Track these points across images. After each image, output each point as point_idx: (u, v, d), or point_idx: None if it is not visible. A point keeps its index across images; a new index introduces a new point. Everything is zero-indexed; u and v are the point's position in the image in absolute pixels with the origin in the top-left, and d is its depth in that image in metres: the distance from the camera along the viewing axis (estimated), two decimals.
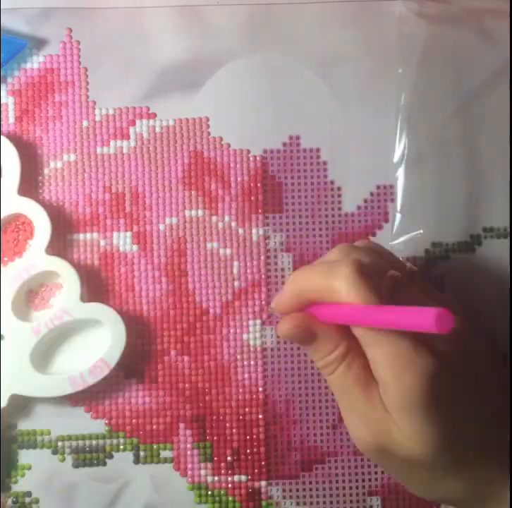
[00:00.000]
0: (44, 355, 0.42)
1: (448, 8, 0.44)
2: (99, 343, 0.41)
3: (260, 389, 0.42)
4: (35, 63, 0.43)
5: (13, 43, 0.42)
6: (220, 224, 0.43)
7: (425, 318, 0.27)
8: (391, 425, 0.32)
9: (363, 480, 0.42)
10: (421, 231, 0.43)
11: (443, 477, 0.33)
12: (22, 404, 0.42)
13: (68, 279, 0.41)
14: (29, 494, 0.42)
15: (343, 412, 0.34)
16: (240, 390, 0.42)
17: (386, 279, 0.33)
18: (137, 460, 0.42)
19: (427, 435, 0.31)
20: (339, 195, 0.43)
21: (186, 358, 0.42)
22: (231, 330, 0.43)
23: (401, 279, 0.33)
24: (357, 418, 0.33)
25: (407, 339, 0.31)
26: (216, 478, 0.42)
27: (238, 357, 0.43)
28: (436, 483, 0.33)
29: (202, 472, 0.42)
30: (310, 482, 0.42)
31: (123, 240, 0.43)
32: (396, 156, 0.43)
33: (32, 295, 0.42)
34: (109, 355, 0.41)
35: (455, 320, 0.30)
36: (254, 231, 0.43)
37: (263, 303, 0.43)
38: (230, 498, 0.42)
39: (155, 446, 0.42)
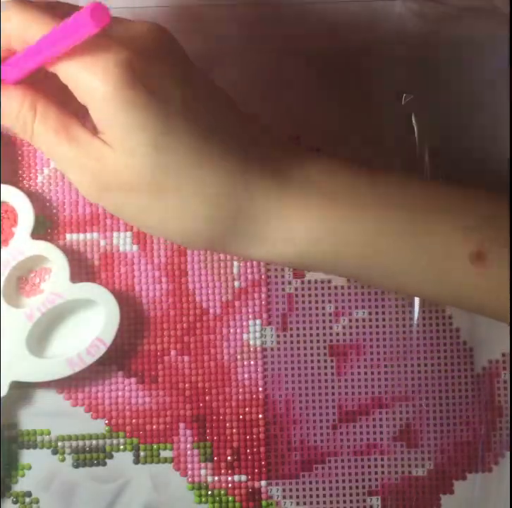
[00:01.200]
0: (40, 339, 0.42)
1: (448, 7, 0.43)
2: (94, 323, 0.41)
3: (260, 389, 0.43)
4: None
5: None
6: None
7: (82, 19, 0.27)
8: (103, 151, 0.31)
9: (363, 480, 0.42)
10: None
11: (162, 196, 0.31)
12: (22, 396, 0.42)
13: (57, 262, 0.41)
14: (29, 494, 0.42)
15: (62, 169, 0.33)
16: (240, 390, 0.42)
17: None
18: (137, 460, 0.42)
19: (136, 141, 0.30)
20: None
21: (186, 358, 0.42)
22: (231, 330, 0.43)
23: None
24: (75, 167, 0.32)
25: (77, 51, 0.29)
26: (216, 478, 0.42)
27: (238, 357, 0.43)
28: (155, 206, 0.32)
29: (202, 472, 0.42)
30: (310, 482, 0.42)
31: (123, 240, 0.43)
32: (398, 157, 0.43)
33: (22, 281, 0.42)
34: (105, 333, 0.40)
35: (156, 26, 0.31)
36: None
37: (263, 303, 0.43)
38: (230, 498, 0.42)
39: (155, 446, 0.42)
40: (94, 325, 0.41)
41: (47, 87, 0.33)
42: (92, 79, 0.30)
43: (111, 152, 0.31)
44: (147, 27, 0.32)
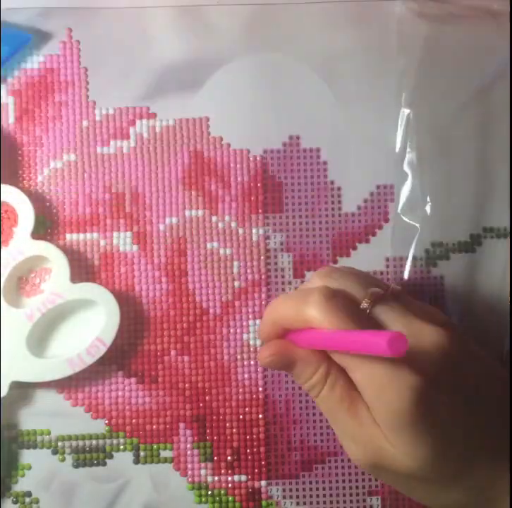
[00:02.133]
0: (40, 340, 0.42)
1: (448, 7, 0.44)
2: (94, 323, 0.41)
3: (260, 389, 0.43)
4: (35, 63, 0.43)
5: (17, 36, 0.42)
6: (220, 224, 0.43)
7: (379, 342, 0.28)
8: (382, 441, 0.32)
9: (363, 480, 0.42)
10: (421, 231, 0.43)
11: (441, 488, 0.33)
12: (22, 396, 0.42)
13: (57, 262, 0.41)
14: (29, 494, 0.42)
15: (336, 432, 0.34)
16: (240, 390, 0.42)
17: (368, 297, 0.33)
18: (137, 460, 0.42)
19: (419, 450, 0.31)
20: (339, 195, 0.43)
21: (186, 358, 0.42)
22: (231, 330, 0.43)
23: (382, 298, 0.33)
24: (349, 437, 0.33)
25: (386, 359, 0.31)
26: (216, 478, 0.42)
27: (238, 357, 0.43)
28: (435, 494, 0.33)
29: (202, 472, 0.42)
30: (310, 482, 0.42)
31: (123, 240, 0.43)
32: (396, 157, 0.43)
33: (22, 281, 0.42)
34: (105, 333, 0.41)
35: (445, 336, 0.31)
36: (254, 230, 0.43)
37: (263, 303, 0.43)
38: (230, 498, 0.42)
39: (155, 446, 0.42)
40: (94, 325, 0.41)
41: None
42: (385, 394, 0.31)
43: (390, 447, 0.32)
44: (438, 339, 0.32)
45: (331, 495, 0.42)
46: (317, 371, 0.34)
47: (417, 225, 0.43)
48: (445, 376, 0.32)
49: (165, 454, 0.42)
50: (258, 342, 0.43)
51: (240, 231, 0.43)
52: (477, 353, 0.35)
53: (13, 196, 0.41)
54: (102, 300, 0.41)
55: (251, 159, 0.43)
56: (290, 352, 0.34)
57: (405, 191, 0.43)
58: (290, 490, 0.42)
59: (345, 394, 0.33)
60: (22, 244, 0.41)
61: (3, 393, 0.40)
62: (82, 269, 0.42)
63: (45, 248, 0.41)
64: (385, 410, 0.31)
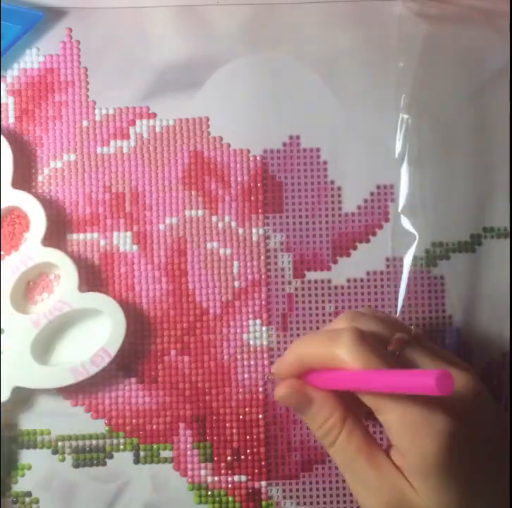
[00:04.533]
0: (44, 346, 0.42)
1: (448, 7, 0.43)
2: (99, 333, 0.41)
3: (260, 389, 0.42)
4: (35, 63, 0.43)
5: (29, 15, 0.42)
6: (220, 224, 0.43)
7: (427, 381, 0.28)
8: (405, 489, 0.31)
9: None
10: (421, 231, 0.43)
11: None
12: (23, 399, 0.42)
13: (66, 270, 0.41)
14: (29, 494, 0.42)
15: (350, 481, 0.33)
16: (240, 390, 0.42)
17: (393, 343, 0.33)
18: (137, 460, 0.42)
19: (445, 496, 0.31)
20: (339, 195, 0.43)
21: (186, 358, 0.42)
22: (231, 330, 0.43)
23: (407, 343, 0.33)
24: (366, 488, 0.33)
25: (419, 401, 0.31)
26: (216, 478, 0.42)
27: (238, 357, 0.43)
28: None
29: (202, 472, 0.42)
30: (310, 482, 0.42)
31: (123, 240, 0.43)
32: (396, 156, 0.43)
33: (30, 287, 0.42)
34: (110, 344, 0.40)
35: (472, 379, 0.31)
36: (254, 230, 0.43)
37: (263, 302, 0.43)
38: (230, 498, 0.42)
39: (155, 446, 0.42)
40: (99, 335, 0.41)
41: (356, 404, 0.33)
42: (418, 437, 0.31)
43: (414, 494, 0.31)
44: (467, 383, 0.32)
45: (331, 495, 0.42)
46: (332, 415, 0.33)
47: (418, 225, 0.43)
48: (472, 421, 0.32)
49: (165, 454, 0.42)
50: (258, 342, 0.43)
51: (240, 230, 0.43)
52: (492, 399, 0.35)
53: (25, 201, 0.41)
54: (109, 311, 0.41)
55: (251, 159, 0.43)
56: (309, 390, 0.34)
57: (405, 191, 0.43)
58: (291, 490, 0.42)
59: (363, 442, 0.33)
60: (33, 250, 0.41)
61: (5, 398, 0.40)
62: (81, 269, 0.42)
63: (55, 255, 0.41)
64: (417, 453, 0.31)
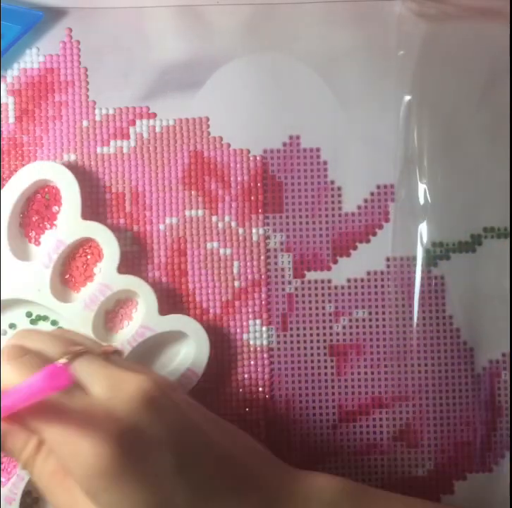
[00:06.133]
0: None
1: (448, 8, 0.43)
2: (183, 354, 0.41)
3: (260, 389, 0.42)
4: (35, 63, 0.43)
5: (29, 15, 0.42)
6: (220, 224, 0.43)
7: (36, 380, 0.27)
8: None
9: (363, 480, 0.42)
10: (421, 231, 0.43)
11: None
12: None
13: (144, 295, 0.41)
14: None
15: (51, 504, 0.32)
16: (240, 390, 0.42)
17: (67, 354, 0.32)
18: None
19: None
20: (339, 195, 0.43)
21: None
22: (231, 330, 0.43)
23: (80, 355, 0.32)
24: (60, 505, 0.31)
25: (78, 413, 0.29)
26: None
27: (238, 357, 0.43)
28: None
29: None
30: None
31: (123, 241, 0.43)
32: (397, 156, 0.43)
33: (109, 316, 0.42)
34: (196, 364, 0.40)
35: (145, 381, 0.30)
36: (254, 230, 0.43)
37: (263, 302, 0.43)
38: None
39: None
40: (183, 357, 0.41)
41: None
42: (79, 452, 0.29)
43: None
44: (139, 384, 0.31)
45: None
46: (27, 443, 0.31)
47: (418, 225, 0.43)
48: (152, 426, 0.30)
49: None
50: (258, 342, 0.43)
51: (240, 230, 0.43)
52: (188, 403, 0.33)
53: (97, 231, 0.41)
54: (191, 331, 0.41)
55: (251, 158, 0.43)
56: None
57: (405, 191, 0.43)
58: None
59: (58, 467, 0.31)
60: (109, 279, 0.41)
61: None
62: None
63: (133, 282, 0.41)
64: (81, 470, 0.29)
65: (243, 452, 0.33)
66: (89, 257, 0.42)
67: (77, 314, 0.40)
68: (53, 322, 0.41)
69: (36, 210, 0.42)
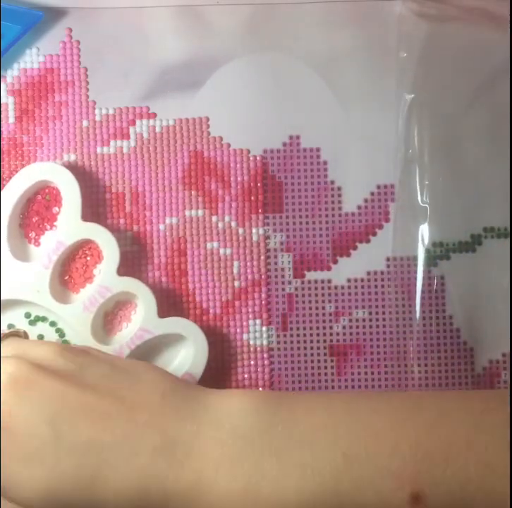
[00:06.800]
0: None
1: (448, 8, 0.43)
2: (181, 357, 0.41)
3: (260, 389, 0.42)
4: (35, 63, 0.43)
5: (29, 15, 0.42)
6: (220, 224, 0.43)
7: None
8: None
9: None
10: (421, 231, 0.43)
11: None
12: None
13: (144, 297, 0.41)
14: None
15: None
16: None
17: None
18: None
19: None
20: (339, 195, 0.43)
21: None
22: (231, 330, 0.43)
23: None
24: None
25: None
26: None
27: (238, 357, 0.43)
28: None
29: None
30: None
31: (123, 241, 0.43)
32: (397, 156, 0.43)
33: (108, 318, 0.42)
34: (194, 367, 0.40)
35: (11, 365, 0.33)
36: (254, 230, 0.43)
37: (263, 302, 0.43)
38: None
39: None
40: (182, 359, 0.41)
41: None
42: None
43: None
44: (2, 371, 0.33)
45: None
46: None
47: (418, 225, 0.43)
48: (20, 405, 0.32)
49: None
50: (258, 342, 0.43)
51: (240, 230, 0.43)
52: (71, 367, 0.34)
53: (96, 233, 0.41)
54: (190, 334, 0.40)
55: (251, 158, 0.43)
56: None
57: (405, 191, 0.43)
58: None
59: None
60: (109, 281, 0.41)
61: None
62: None
63: (132, 284, 0.41)
64: None
65: (136, 396, 0.33)
66: (88, 258, 0.41)
67: (76, 315, 0.40)
68: (52, 323, 0.41)
69: (36, 211, 0.42)
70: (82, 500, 0.31)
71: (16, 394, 0.32)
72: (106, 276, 0.41)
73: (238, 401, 0.33)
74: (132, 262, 0.43)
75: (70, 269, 0.42)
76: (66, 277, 0.42)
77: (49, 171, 0.41)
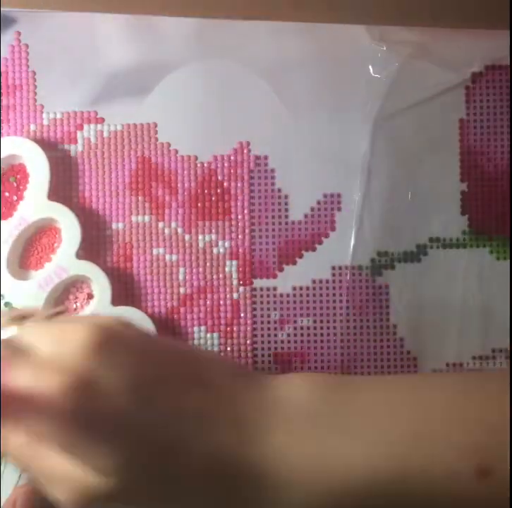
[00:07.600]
0: None
1: (409, 33, 0.43)
2: None
3: None
4: None
5: None
6: (166, 230, 0.43)
7: None
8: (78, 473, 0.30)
9: None
10: (367, 240, 0.43)
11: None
12: None
13: (99, 283, 0.41)
14: None
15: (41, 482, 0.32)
16: None
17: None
18: None
19: (103, 461, 0.30)
20: (286, 203, 0.43)
21: None
22: (176, 336, 0.43)
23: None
24: (57, 483, 0.31)
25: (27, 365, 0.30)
26: None
27: None
28: None
29: None
30: None
31: None
32: (344, 165, 0.43)
33: (62, 298, 0.42)
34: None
35: (83, 331, 0.31)
36: (200, 237, 0.43)
37: (208, 309, 0.43)
38: None
39: None
40: None
41: None
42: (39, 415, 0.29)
43: (83, 476, 0.30)
44: (80, 335, 0.31)
45: None
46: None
47: (364, 234, 0.43)
48: (104, 370, 0.30)
49: None
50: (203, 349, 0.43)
51: (187, 237, 0.43)
52: (143, 340, 0.33)
53: (59, 214, 0.41)
54: (142, 325, 0.40)
55: (198, 165, 0.43)
56: None
57: (352, 200, 0.43)
58: None
59: (29, 435, 0.31)
60: (67, 262, 0.41)
61: None
62: None
63: (89, 268, 0.41)
64: (46, 432, 0.29)
65: (210, 374, 0.33)
66: (49, 238, 0.42)
67: (30, 293, 0.41)
68: (7, 303, 0.41)
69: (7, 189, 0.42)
70: (163, 466, 0.31)
71: (98, 359, 0.30)
72: (64, 258, 0.41)
73: (300, 381, 0.33)
74: None
75: (31, 247, 0.42)
76: (26, 255, 0.42)
77: (18, 146, 0.41)
